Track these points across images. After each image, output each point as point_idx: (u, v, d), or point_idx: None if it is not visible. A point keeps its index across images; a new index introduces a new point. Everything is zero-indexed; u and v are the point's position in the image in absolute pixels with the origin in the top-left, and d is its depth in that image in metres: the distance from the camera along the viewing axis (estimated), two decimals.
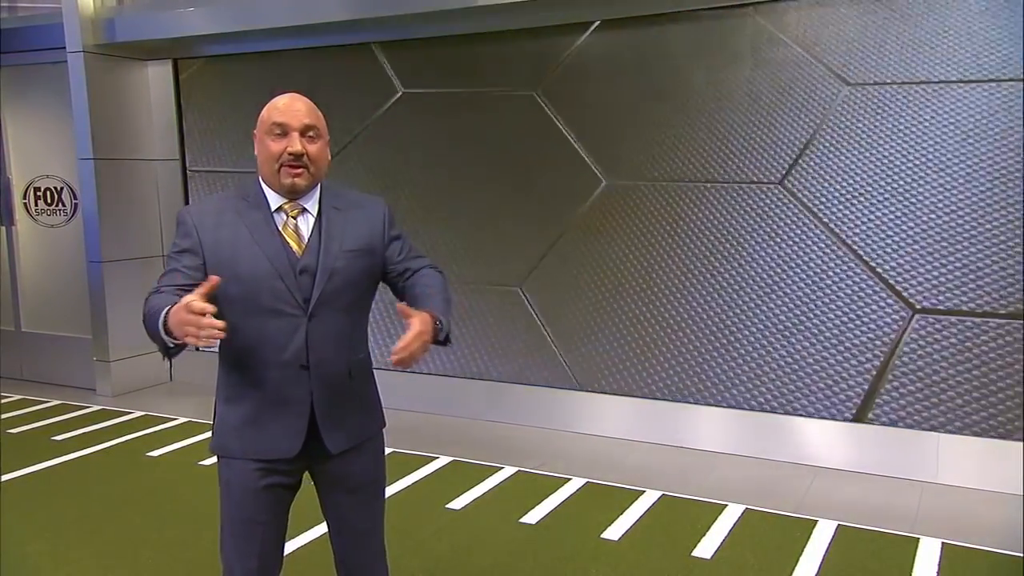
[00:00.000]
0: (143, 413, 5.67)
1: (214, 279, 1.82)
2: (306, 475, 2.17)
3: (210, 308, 1.71)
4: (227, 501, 2.09)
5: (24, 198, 6.65)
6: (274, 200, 2.04)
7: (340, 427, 2.08)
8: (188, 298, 1.72)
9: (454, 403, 5.46)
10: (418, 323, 1.89)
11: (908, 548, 3.47)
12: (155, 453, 4.83)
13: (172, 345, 1.86)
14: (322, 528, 3.46)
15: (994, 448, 4.10)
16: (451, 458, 4.63)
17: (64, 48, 5.89)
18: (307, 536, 3.53)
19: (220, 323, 1.70)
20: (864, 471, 4.35)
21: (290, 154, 1.96)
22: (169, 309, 1.80)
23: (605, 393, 5.04)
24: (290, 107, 1.99)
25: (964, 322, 4.12)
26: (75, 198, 6.42)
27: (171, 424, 5.40)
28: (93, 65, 5.90)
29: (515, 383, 5.31)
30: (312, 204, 2.06)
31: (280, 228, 2.02)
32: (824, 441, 4.47)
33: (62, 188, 6.49)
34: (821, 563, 3.35)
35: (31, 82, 6.47)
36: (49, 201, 6.56)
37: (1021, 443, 4.04)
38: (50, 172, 6.53)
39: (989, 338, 4.07)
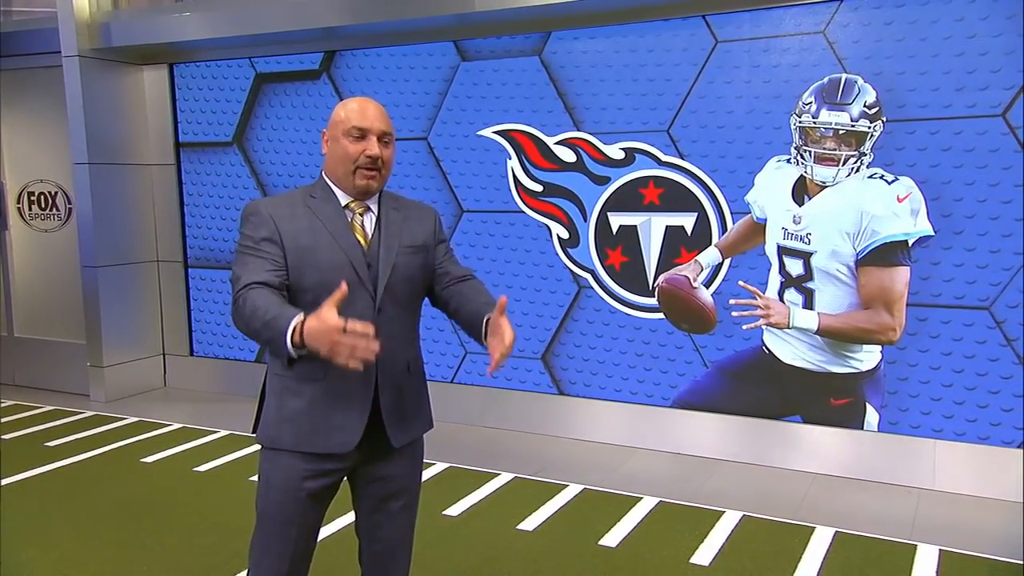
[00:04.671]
0: (137, 419, 5.64)
1: (343, 288, 1.79)
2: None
3: (370, 329, 1.71)
4: (265, 499, 2.08)
5: (18, 203, 6.62)
6: (342, 197, 2.11)
7: (401, 422, 2.15)
8: (333, 318, 1.70)
9: (449, 408, 5.44)
10: (510, 332, 1.96)
11: (906, 555, 3.47)
12: (149, 459, 4.80)
13: (296, 356, 1.83)
14: (341, 522, 3.48)
15: (991, 455, 4.10)
16: (447, 464, 4.62)
17: (59, 52, 5.87)
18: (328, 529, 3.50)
19: (375, 346, 1.72)
20: (861, 478, 4.36)
21: (368, 157, 2.04)
22: (301, 321, 1.77)
23: (601, 399, 5.04)
24: (369, 112, 2.06)
25: (960, 326, 4.13)
26: (69, 203, 6.39)
27: (165, 430, 5.37)
28: (88, 69, 5.88)
29: (511, 388, 5.31)
30: (374, 204, 2.14)
31: (349, 223, 2.09)
32: (821, 447, 4.47)
33: (56, 193, 6.46)
34: (819, 570, 3.35)
35: (26, 86, 6.44)
36: (43, 206, 6.53)
37: (1018, 450, 4.05)
38: (44, 177, 6.50)
39: (986, 344, 4.09)
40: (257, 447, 2.14)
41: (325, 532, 3.53)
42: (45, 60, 6.21)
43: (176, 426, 5.45)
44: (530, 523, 3.82)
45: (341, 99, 5.53)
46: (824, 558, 3.45)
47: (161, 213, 6.39)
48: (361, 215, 2.10)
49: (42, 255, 6.61)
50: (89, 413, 5.81)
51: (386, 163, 2.08)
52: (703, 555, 3.49)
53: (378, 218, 2.13)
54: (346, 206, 2.09)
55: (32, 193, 6.56)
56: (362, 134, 2.03)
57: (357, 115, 2.04)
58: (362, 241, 2.08)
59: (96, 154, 5.93)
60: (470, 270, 2.31)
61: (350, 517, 2.34)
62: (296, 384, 2.04)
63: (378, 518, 2.18)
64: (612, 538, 3.66)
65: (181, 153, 6.28)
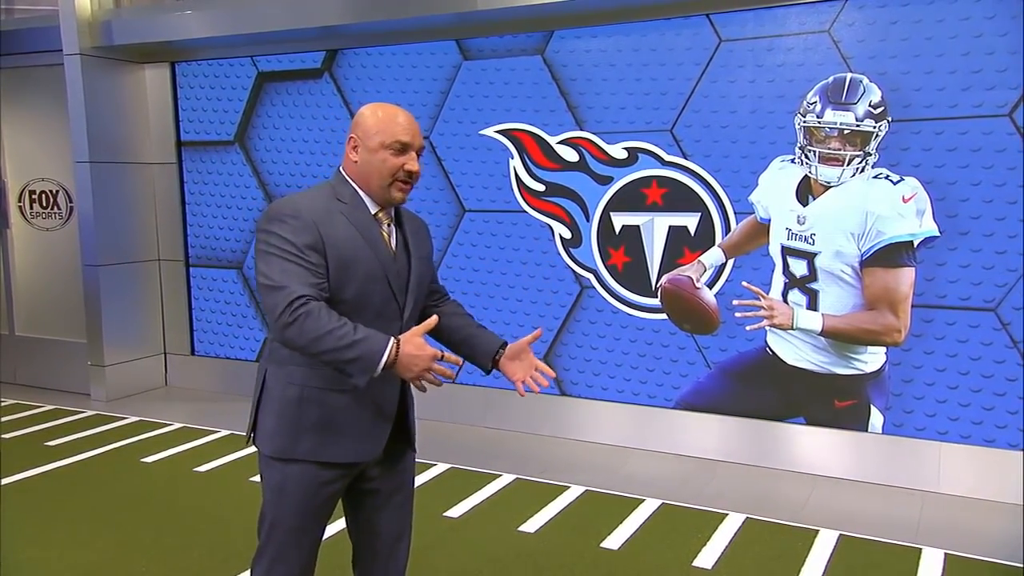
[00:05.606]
0: (137, 418, 5.62)
1: (432, 321, 1.99)
2: None
3: (460, 361, 2.00)
4: (278, 508, 2.05)
5: (19, 201, 6.60)
6: (371, 206, 2.08)
7: (412, 426, 2.24)
8: (428, 347, 1.88)
9: (450, 409, 5.42)
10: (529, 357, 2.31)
11: (911, 559, 3.44)
12: (149, 459, 4.79)
13: (376, 375, 1.90)
14: (334, 527, 3.45)
15: (997, 458, 4.07)
16: (448, 465, 4.60)
17: (61, 51, 5.86)
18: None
19: (453, 375, 1.95)
20: (865, 480, 4.33)
21: (407, 172, 2.02)
22: (396, 346, 1.87)
23: (603, 400, 5.01)
24: (410, 125, 2.03)
25: (966, 328, 4.10)
26: (70, 201, 6.38)
27: (166, 430, 5.35)
28: (90, 68, 5.86)
29: (512, 389, 5.27)
30: (392, 213, 2.14)
31: (380, 233, 2.08)
32: (824, 449, 4.44)
33: (57, 191, 6.45)
34: (823, 573, 3.32)
35: (27, 85, 6.43)
36: (44, 204, 6.52)
37: (1022, 453, 4.02)
38: (46, 175, 6.49)
39: (992, 345, 4.06)
40: (255, 449, 2.11)
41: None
42: (46, 58, 6.19)
43: (177, 426, 5.43)
44: (531, 525, 3.80)
45: (343, 98, 5.54)
46: (828, 561, 3.42)
47: (162, 212, 6.37)
48: (388, 225, 2.10)
49: (43, 254, 6.60)
50: (90, 412, 5.80)
51: (418, 177, 2.09)
52: (706, 558, 3.47)
53: (399, 229, 2.14)
54: (374, 215, 2.07)
55: (33, 192, 6.55)
56: (404, 148, 2.01)
57: (400, 128, 2.00)
58: (390, 252, 2.08)
59: (97, 153, 5.92)
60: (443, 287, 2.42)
61: (341, 524, 2.33)
62: (319, 393, 2.01)
63: (383, 512, 2.20)
64: (614, 540, 3.63)
65: (183, 152, 6.26)
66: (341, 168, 2.09)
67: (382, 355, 1.84)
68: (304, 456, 2.01)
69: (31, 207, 6.57)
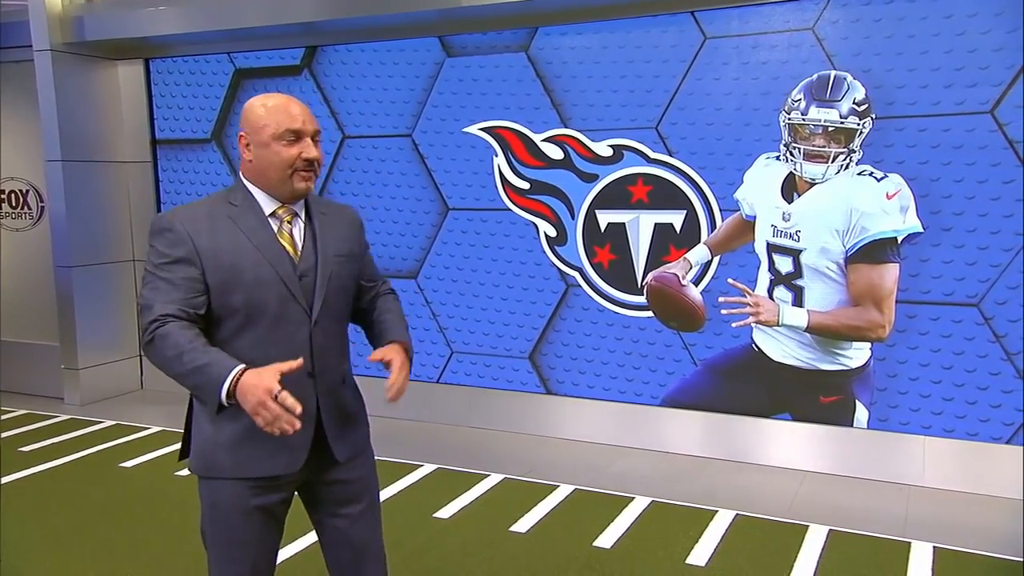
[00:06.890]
0: (114, 422, 5.50)
1: (300, 362, 1.80)
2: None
3: (298, 408, 1.73)
4: (213, 524, 1.98)
5: None
6: (267, 205, 1.98)
7: (344, 434, 2.05)
8: (275, 384, 1.71)
9: (435, 409, 5.38)
10: (399, 360, 2.00)
11: (901, 552, 3.47)
12: (128, 464, 4.68)
13: (227, 405, 1.80)
14: (309, 539, 3.40)
15: (980, 451, 4.12)
16: (436, 466, 4.55)
17: (31, 47, 5.71)
18: (295, 547, 3.43)
19: (298, 424, 1.74)
20: (851, 475, 4.36)
21: (306, 160, 1.94)
22: (239, 376, 1.76)
23: (589, 398, 5.00)
24: (299, 112, 1.94)
25: (949, 323, 4.14)
26: (41, 201, 6.23)
27: (144, 433, 5.25)
28: (61, 64, 5.72)
29: (498, 388, 5.25)
30: (300, 209, 2.04)
31: (276, 233, 1.98)
32: (811, 445, 4.47)
33: (28, 191, 6.29)
34: (816, 569, 3.33)
35: None
36: (14, 204, 6.36)
37: (1006, 445, 4.07)
38: (15, 175, 6.33)
39: (975, 340, 4.11)
40: None
41: (296, 548, 3.45)
42: (15, 54, 6.05)
43: (155, 429, 5.32)
44: (522, 525, 3.77)
45: (323, 96, 5.47)
46: (820, 557, 3.43)
47: (137, 212, 6.25)
48: (289, 223, 1.99)
49: (13, 255, 6.43)
50: (64, 417, 5.66)
51: (320, 163, 1.99)
52: (698, 555, 3.46)
53: (308, 225, 2.02)
54: (272, 214, 1.98)
55: (2, 191, 6.39)
56: (296, 136, 1.92)
57: (288, 117, 1.92)
58: (292, 252, 1.97)
59: (69, 151, 5.78)
60: (387, 284, 2.27)
61: (314, 536, 2.26)
62: (231, 409, 1.86)
63: (341, 523, 2.10)
64: (606, 539, 3.62)
65: (158, 150, 6.14)
66: (240, 170, 2.01)
67: (223, 383, 1.75)
68: (225, 474, 1.94)
69: (0, 207, 6.40)
